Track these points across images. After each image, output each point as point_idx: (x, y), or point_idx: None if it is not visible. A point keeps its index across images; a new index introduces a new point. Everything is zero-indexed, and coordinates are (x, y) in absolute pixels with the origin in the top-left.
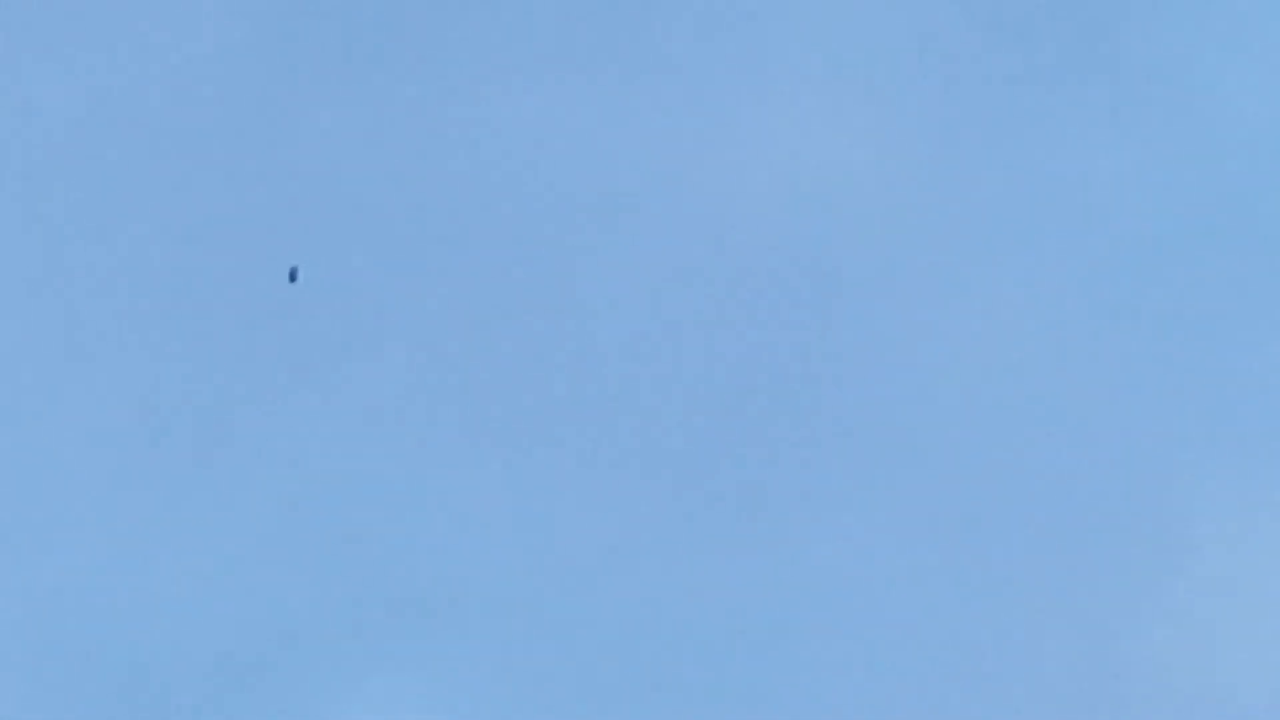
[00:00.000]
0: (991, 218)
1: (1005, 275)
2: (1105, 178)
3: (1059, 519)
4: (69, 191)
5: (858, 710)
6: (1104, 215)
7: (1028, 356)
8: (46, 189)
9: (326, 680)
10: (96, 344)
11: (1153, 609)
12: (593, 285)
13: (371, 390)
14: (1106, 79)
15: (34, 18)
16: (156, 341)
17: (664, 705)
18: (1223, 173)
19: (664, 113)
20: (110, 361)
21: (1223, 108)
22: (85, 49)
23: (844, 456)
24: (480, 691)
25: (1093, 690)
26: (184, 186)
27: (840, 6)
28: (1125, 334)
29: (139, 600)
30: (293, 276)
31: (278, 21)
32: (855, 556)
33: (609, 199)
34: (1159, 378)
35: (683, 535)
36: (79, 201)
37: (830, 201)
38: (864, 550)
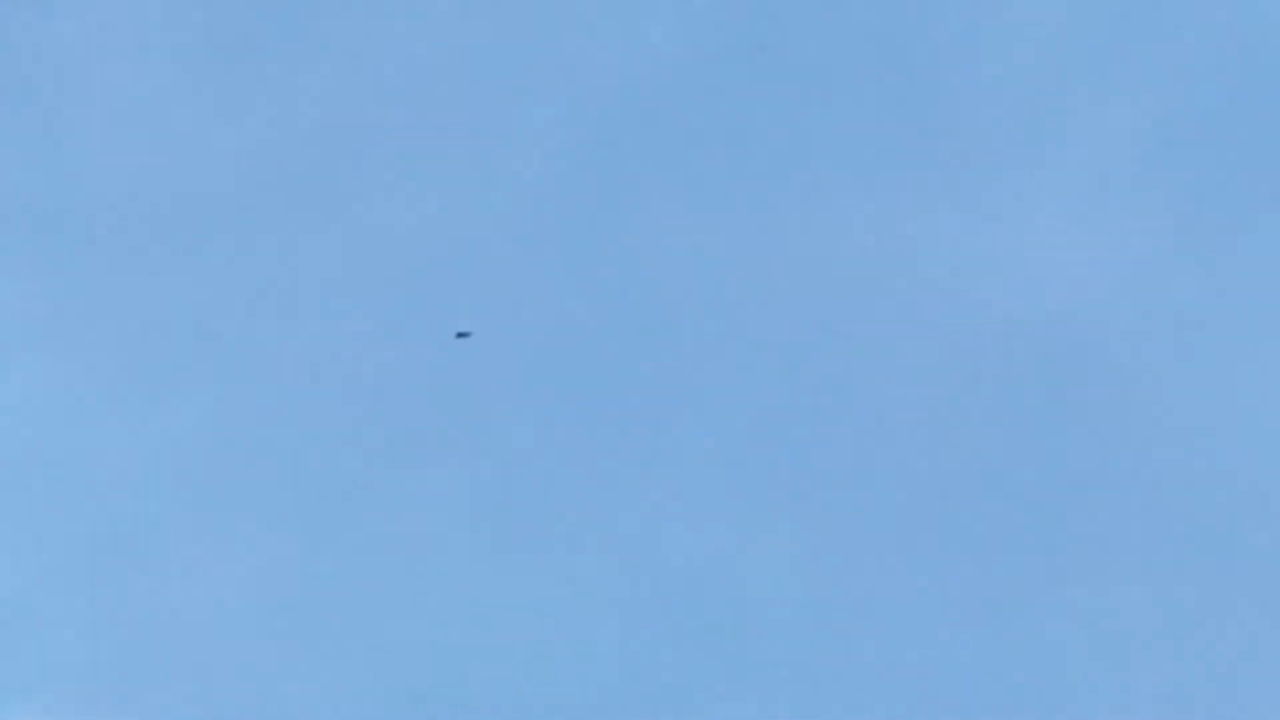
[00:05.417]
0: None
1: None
2: None
3: None
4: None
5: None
6: None
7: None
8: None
9: None
10: (440, 436)
11: None
12: (872, 377)
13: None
14: None
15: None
16: (495, 432)
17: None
18: None
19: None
20: (457, 452)
21: None
22: None
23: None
24: None
25: None
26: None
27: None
28: None
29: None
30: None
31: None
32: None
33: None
34: None
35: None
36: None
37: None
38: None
